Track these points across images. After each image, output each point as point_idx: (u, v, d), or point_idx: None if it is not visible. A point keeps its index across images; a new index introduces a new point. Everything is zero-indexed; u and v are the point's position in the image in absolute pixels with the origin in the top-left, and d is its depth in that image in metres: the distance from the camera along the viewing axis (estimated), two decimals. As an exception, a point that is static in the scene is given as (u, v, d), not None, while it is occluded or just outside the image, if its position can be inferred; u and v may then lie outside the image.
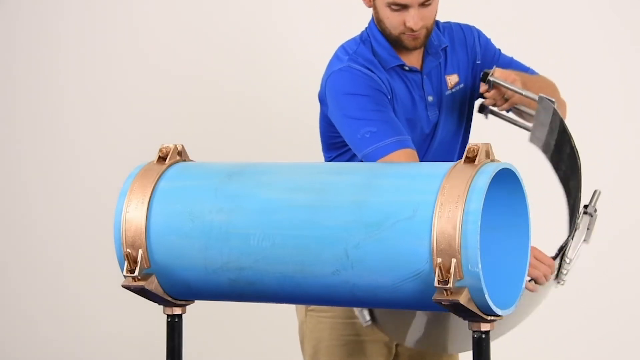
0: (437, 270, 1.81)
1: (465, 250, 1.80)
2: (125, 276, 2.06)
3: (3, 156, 4.34)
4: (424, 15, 2.43)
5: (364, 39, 2.53)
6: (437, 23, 2.59)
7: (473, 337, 1.91)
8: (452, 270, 1.80)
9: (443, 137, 2.58)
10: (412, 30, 2.43)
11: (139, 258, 2.04)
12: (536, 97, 2.41)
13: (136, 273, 2.04)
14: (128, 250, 2.05)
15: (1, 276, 4.35)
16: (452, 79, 2.58)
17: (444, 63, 2.58)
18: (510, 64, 2.66)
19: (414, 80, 2.52)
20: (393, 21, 2.45)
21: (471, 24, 2.72)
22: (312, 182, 2.01)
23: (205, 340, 3.96)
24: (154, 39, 4.21)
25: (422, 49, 2.53)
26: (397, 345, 2.65)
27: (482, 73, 2.43)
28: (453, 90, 2.57)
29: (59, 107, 4.30)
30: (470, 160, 1.90)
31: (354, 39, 2.56)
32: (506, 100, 2.47)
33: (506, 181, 1.96)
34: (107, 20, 4.27)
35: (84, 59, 4.28)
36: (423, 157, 2.54)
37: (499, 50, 2.68)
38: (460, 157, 2.61)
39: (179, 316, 2.16)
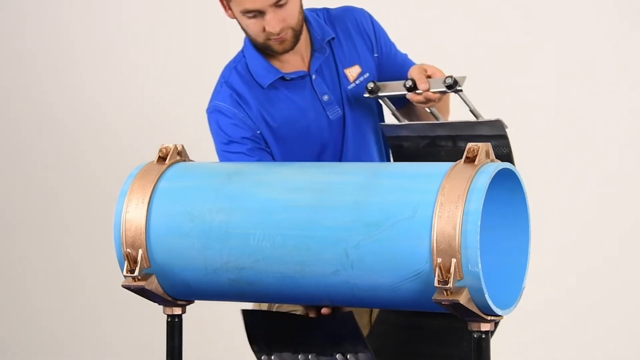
0: (437, 270, 1.81)
1: (465, 250, 1.80)
2: (125, 276, 2.06)
3: (3, 156, 4.33)
4: (283, 16, 2.26)
5: (237, 60, 2.43)
6: (324, 12, 2.46)
7: (473, 337, 1.90)
8: (452, 270, 1.80)
9: (358, 131, 2.44)
10: (273, 34, 2.28)
11: (139, 258, 2.04)
12: (484, 118, 2.31)
13: (136, 273, 2.04)
14: (128, 250, 2.05)
15: (1, 276, 4.35)
16: (352, 71, 2.43)
17: (341, 56, 2.43)
18: (405, 62, 2.49)
19: (301, 85, 2.39)
20: (253, 29, 2.30)
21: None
22: (312, 182, 2.01)
23: (205, 340, 3.96)
24: (154, 39, 4.21)
25: (307, 47, 2.39)
26: None
27: (450, 79, 2.25)
28: (357, 82, 2.43)
29: (59, 106, 4.30)
30: (470, 160, 1.90)
31: (232, 60, 2.45)
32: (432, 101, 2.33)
33: (506, 181, 1.96)
34: (107, 20, 4.27)
35: (83, 59, 4.28)
36: (340, 156, 2.42)
37: (394, 44, 2.52)
38: (379, 152, 2.47)
39: (179, 316, 2.16)
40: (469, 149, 1.91)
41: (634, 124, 4.01)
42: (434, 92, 2.28)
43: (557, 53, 4.04)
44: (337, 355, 2.09)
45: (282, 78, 2.38)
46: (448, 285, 1.80)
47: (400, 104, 2.45)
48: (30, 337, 4.33)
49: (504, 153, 2.29)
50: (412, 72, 2.31)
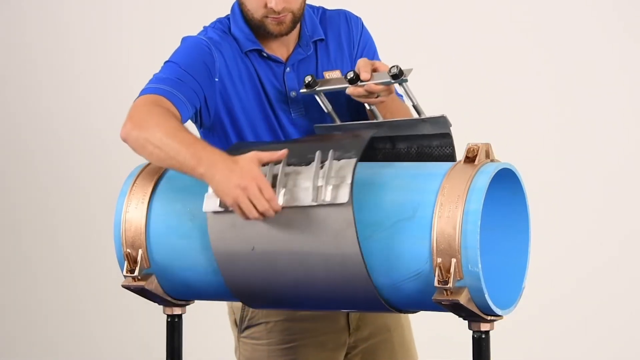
0: (437, 270, 1.81)
1: (465, 250, 1.80)
2: (125, 276, 2.06)
3: (2, 156, 4.34)
4: None
5: (221, 20, 2.38)
6: (320, 10, 2.43)
7: (473, 337, 1.91)
8: (452, 270, 1.80)
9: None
10: (274, 12, 2.24)
11: (139, 258, 2.04)
12: (426, 115, 2.21)
13: (136, 273, 2.04)
14: (128, 250, 2.05)
15: (2, 277, 4.35)
16: (332, 75, 2.35)
17: (324, 58, 2.38)
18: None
19: (275, 70, 2.33)
20: (254, 3, 2.27)
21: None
22: (312, 182, 2.00)
23: (205, 340, 3.96)
24: (154, 40, 4.21)
25: (295, 40, 2.35)
26: None
27: (396, 68, 2.16)
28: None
29: (60, 106, 4.30)
30: (470, 160, 1.90)
31: (213, 22, 2.41)
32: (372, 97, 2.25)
33: (506, 181, 1.96)
34: (108, 19, 4.27)
35: (84, 58, 4.28)
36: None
37: (377, 53, 2.47)
38: None
39: (179, 316, 2.16)
40: (469, 149, 1.91)
41: (633, 124, 4.01)
42: (376, 84, 2.19)
43: (556, 53, 4.04)
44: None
45: (260, 52, 2.32)
46: (448, 285, 1.80)
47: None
48: (29, 338, 4.33)
49: (447, 153, 2.17)
50: (358, 64, 2.24)
